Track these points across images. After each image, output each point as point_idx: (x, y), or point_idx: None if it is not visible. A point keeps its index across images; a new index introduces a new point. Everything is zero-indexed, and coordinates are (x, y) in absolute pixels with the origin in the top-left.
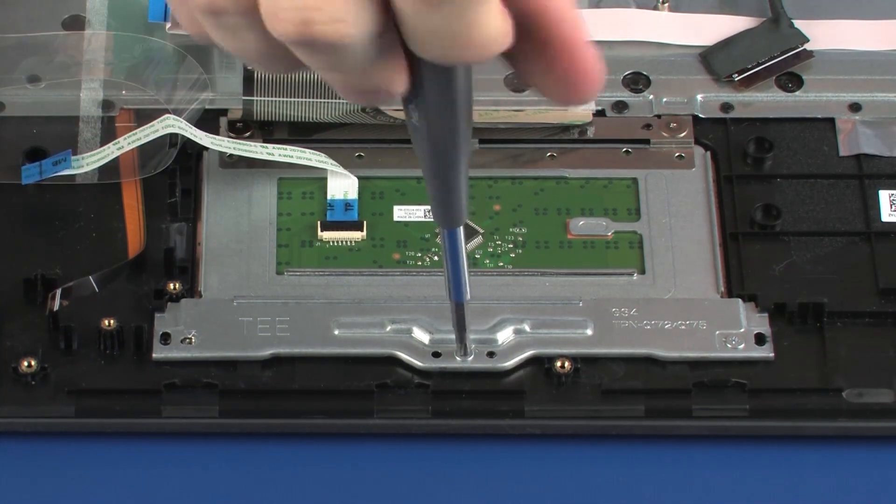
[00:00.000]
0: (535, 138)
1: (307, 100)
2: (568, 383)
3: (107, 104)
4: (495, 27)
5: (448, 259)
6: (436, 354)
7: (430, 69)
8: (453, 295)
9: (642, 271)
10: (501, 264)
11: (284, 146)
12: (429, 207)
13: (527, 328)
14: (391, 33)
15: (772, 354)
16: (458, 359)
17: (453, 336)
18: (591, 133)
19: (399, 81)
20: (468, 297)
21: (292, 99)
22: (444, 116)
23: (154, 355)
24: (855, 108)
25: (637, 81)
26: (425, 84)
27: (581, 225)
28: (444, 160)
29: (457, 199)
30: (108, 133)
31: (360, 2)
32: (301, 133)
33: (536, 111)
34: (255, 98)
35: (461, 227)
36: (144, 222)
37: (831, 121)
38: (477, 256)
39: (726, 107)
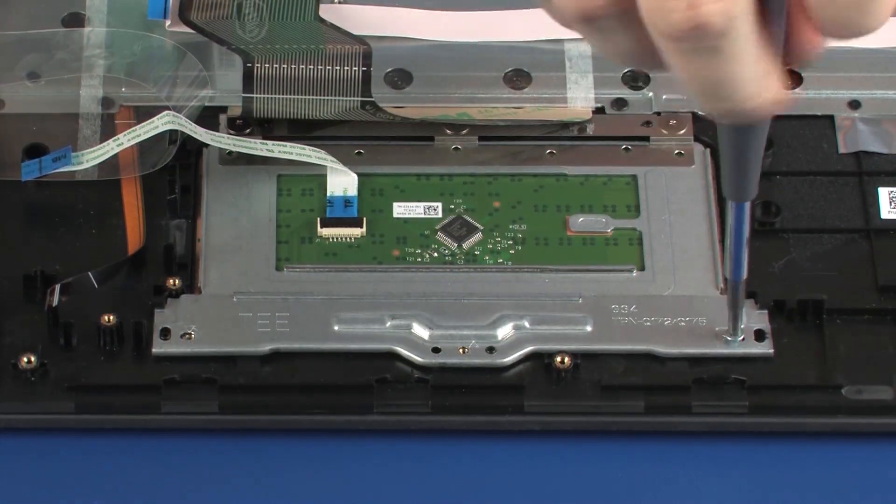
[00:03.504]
0: (534, 135)
1: (307, 97)
2: (567, 379)
3: (106, 101)
4: None
5: (733, 234)
6: (435, 350)
7: None
8: (732, 273)
9: (642, 268)
10: (501, 261)
11: (284, 143)
12: (428, 204)
13: (526, 324)
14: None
15: (771, 351)
16: (727, 339)
17: (452, 332)
18: (590, 130)
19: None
20: (745, 275)
21: (292, 96)
22: None
23: (154, 350)
24: (854, 105)
25: (636, 79)
26: None
27: (580, 222)
28: (752, 136)
29: (752, 172)
30: (108, 130)
31: None
32: (301, 130)
33: (536, 109)
34: (254, 95)
35: (748, 203)
36: (144, 219)
37: (831, 118)
38: (476, 253)
39: None
